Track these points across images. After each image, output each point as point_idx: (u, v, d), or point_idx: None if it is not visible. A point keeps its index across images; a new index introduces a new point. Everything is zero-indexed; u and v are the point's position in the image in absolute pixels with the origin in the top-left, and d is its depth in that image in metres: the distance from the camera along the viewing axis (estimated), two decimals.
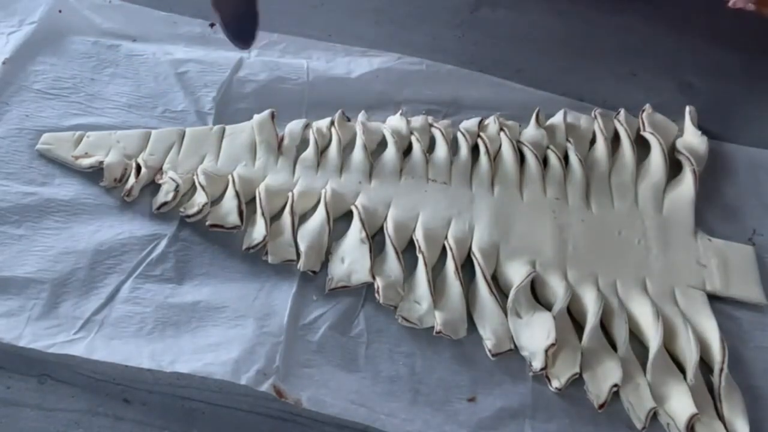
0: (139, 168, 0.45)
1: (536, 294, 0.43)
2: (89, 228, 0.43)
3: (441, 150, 0.48)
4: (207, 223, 0.43)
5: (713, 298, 0.44)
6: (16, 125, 0.47)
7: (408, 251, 0.44)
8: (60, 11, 0.52)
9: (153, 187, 0.45)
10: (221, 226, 0.43)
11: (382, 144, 0.48)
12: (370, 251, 0.43)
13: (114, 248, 0.42)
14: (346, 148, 0.48)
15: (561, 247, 0.45)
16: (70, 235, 0.43)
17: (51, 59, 0.50)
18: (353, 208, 0.44)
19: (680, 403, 0.39)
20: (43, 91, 0.49)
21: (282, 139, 0.47)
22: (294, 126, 0.48)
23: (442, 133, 0.48)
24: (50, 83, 0.49)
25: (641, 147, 0.50)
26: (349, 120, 0.49)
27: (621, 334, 0.41)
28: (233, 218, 0.43)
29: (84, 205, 0.44)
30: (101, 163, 0.45)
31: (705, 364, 0.41)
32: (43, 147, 0.46)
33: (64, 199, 0.44)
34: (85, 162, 0.45)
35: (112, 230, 0.43)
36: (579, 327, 0.42)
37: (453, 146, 0.48)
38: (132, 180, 0.45)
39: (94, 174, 0.45)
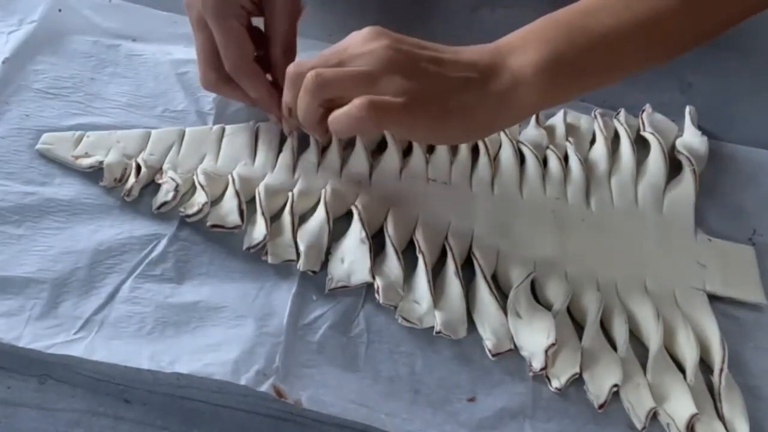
0: (139, 168, 0.45)
1: (536, 294, 0.43)
2: (89, 228, 0.43)
3: (441, 150, 0.48)
4: (207, 224, 0.43)
5: (713, 298, 0.44)
6: (16, 125, 0.47)
7: (408, 251, 0.44)
8: (60, 10, 0.52)
9: (153, 186, 0.45)
10: (222, 226, 0.43)
11: (382, 144, 0.48)
12: (370, 251, 0.43)
13: (114, 248, 0.42)
14: (346, 148, 0.48)
15: (561, 247, 0.45)
16: (70, 234, 0.43)
17: (51, 59, 0.50)
18: (353, 208, 0.44)
19: (680, 403, 0.39)
20: (43, 90, 0.49)
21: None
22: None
23: None
24: (50, 83, 0.49)
25: (641, 147, 0.50)
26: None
27: (621, 334, 0.41)
28: (234, 218, 0.43)
29: (84, 204, 0.44)
30: (101, 162, 0.45)
31: (705, 364, 0.41)
32: (43, 147, 0.46)
33: (64, 199, 0.44)
34: (85, 162, 0.45)
35: (112, 230, 0.43)
36: (579, 327, 0.42)
37: (453, 146, 0.48)
38: (132, 180, 0.45)
39: (94, 174, 0.45)
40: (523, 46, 0.40)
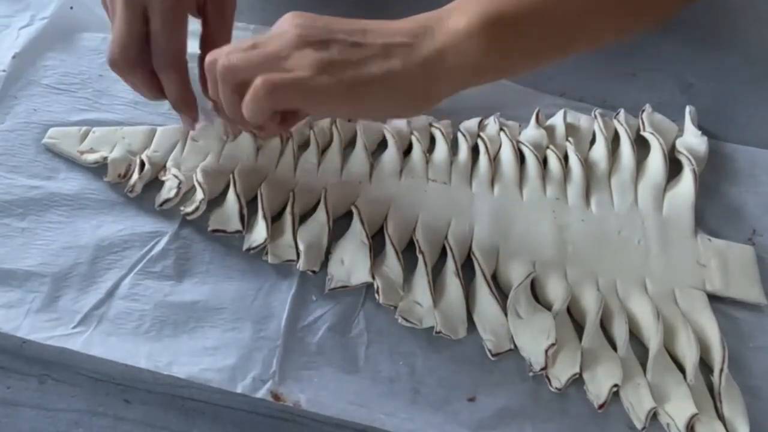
0: (142, 164, 0.45)
1: (536, 294, 0.43)
2: (92, 223, 0.43)
3: (441, 150, 0.48)
4: (209, 229, 0.43)
5: (713, 298, 0.44)
6: (23, 119, 0.47)
7: (408, 251, 0.44)
8: (71, 8, 0.53)
9: (157, 183, 0.46)
10: (223, 231, 0.43)
11: (383, 144, 0.48)
12: (370, 251, 0.43)
13: (115, 244, 0.43)
14: (347, 148, 0.48)
15: (561, 247, 0.45)
16: (73, 229, 0.43)
17: (60, 55, 0.51)
18: (353, 208, 0.44)
19: (680, 403, 0.39)
20: (52, 86, 0.49)
21: (287, 138, 0.47)
22: (300, 126, 0.48)
23: (442, 133, 0.48)
24: (59, 78, 0.50)
25: (641, 147, 0.50)
26: (349, 120, 0.49)
27: (621, 334, 0.41)
28: (235, 223, 0.43)
29: (87, 199, 0.44)
30: (106, 158, 0.45)
31: (705, 364, 0.41)
32: (49, 141, 0.46)
33: (68, 194, 0.44)
34: (90, 157, 0.45)
35: (114, 226, 0.43)
36: (579, 327, 0.42)
37: (453, 146, 0.48)
38: (135, 176, 0.45)
39: (99, 169, 0.46)
40: (462, 7, 0.37)
